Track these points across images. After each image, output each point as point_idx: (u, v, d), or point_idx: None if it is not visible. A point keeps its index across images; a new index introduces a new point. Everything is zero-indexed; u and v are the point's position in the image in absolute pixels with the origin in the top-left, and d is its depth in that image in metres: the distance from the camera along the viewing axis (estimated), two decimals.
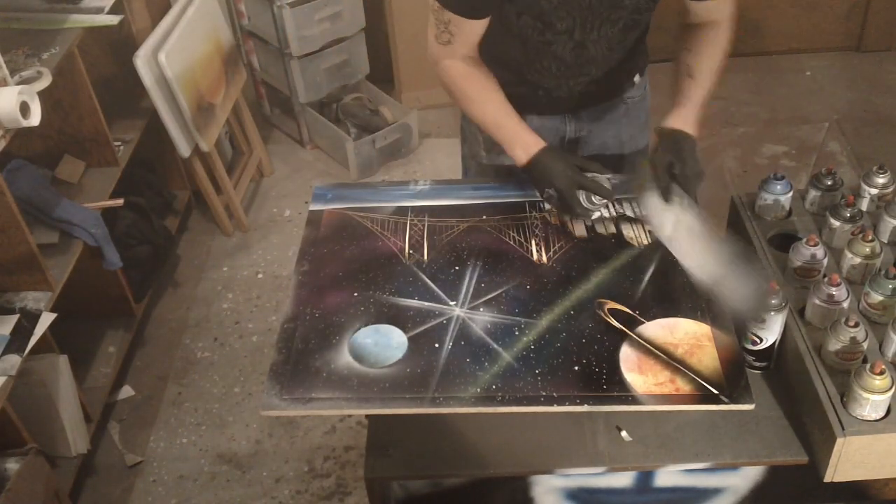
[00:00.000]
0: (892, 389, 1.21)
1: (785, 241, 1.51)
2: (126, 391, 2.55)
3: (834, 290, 1.34)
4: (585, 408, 1.27)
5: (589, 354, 1.34)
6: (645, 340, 1.36)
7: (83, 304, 2.47)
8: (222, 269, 2.98)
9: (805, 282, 1.42)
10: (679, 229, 1.48)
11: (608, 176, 1.55)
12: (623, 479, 1.35)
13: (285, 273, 2.91)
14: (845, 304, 1.37)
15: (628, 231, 1.57)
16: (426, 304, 1.44)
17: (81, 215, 2.32)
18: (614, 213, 1.60)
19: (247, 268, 2.98)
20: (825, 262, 1.43)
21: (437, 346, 1.36)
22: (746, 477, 1.35)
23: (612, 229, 1.58)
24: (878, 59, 3.82)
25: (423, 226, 1.61)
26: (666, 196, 1.48)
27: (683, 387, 1.29)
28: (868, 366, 1.21)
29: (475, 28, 1.50)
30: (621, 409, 1.28)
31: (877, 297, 1.35)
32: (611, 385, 1.29)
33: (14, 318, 2.05)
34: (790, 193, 1.57)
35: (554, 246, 1.55)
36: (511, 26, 1.51)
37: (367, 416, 1.39)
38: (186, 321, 2.79)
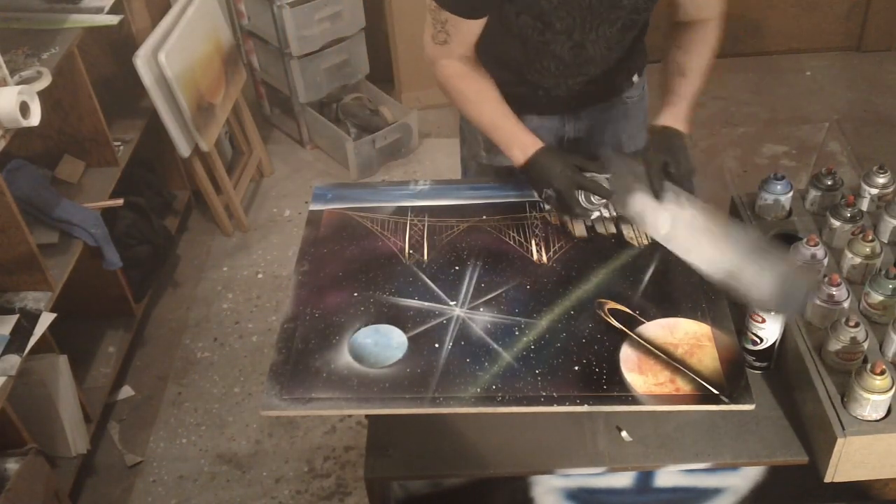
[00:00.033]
0: (893, 389, 1.21)
1: (785, 241, 1.51)
2: (126, 391, 2.55)
3: (834, 290, 1.34)
4: (585, 408, 1.27)
5: (589, 354, 1.34)
6: (645, 340, 1.36)
7: (83, 304, 2.46)
8: (222, 269, 2.98)
9: None
10: (678, 226, 1.47)
11: (607, 176, 1.54)
12: (623, 480, 1.35)
13: (285, 273, 2.91)
14: (845, 304, 1.37)
15: (628, 231, 1.57)
16: (426, 304, 1.44)
17: (81, 215, 2.32)
18: (614, 213, 1.60)
19: (247, 268, 2.98)
20: (825, 262, 1.43)
21: (437, 346, 1.36)
22: (746, 477, 1.35)
23: (612, 229, 1.58)
24: (878, 59, 3.82)
25: (423, 226, 1.61)
26: (659, 195, 1.47)
27: (683, 387, 1.29)
28: (868, 366, 1.21)
29: (472, 28, 1.50)
30: (621, 409, 1.28)
31: (877, 297, 1.35)
32: (611, 385, 1.29)
33: (14, 318, 2.05)
34: (790, 193, 1.57)
35: (554, 246, 1.55)
36: (510, 26, 1.51)
37: (367, 416, 1.39)
38: (186, 321, 2.79)
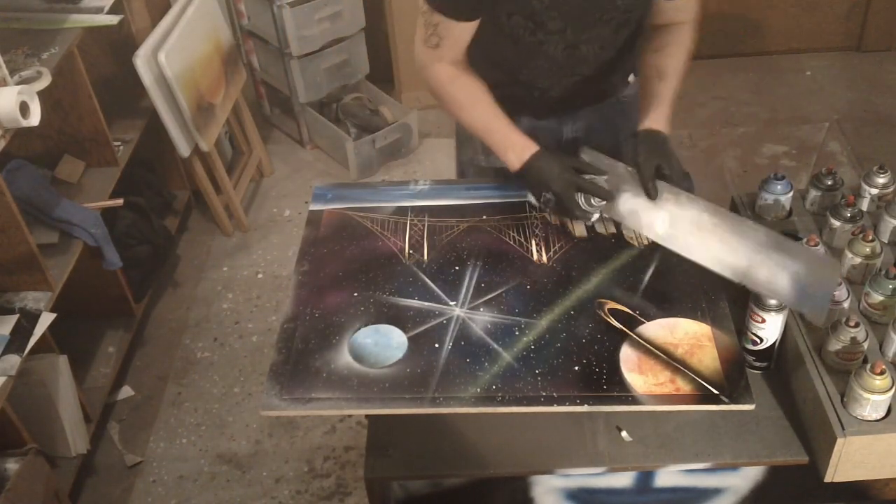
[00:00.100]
0: (893, 389, 1.21)
1: None
2: (126, 391, 2.55)
3: (834, 290, 1.34)
4: (585, 408, 1.27)
5: (589, 354, 1.34)
6: (645, 340, 1.36)
7: (83, 304, 2.46)
8: (222, 269, 2.98)
9: None
10: (679, 226, 1.46)
11: (605, 177, 1.54)
12: (623, 480, 1.35)
13: (285, 273, 2.91)
14: (845, 304, 1.37)
15: (628, 231, 1.57)
16: (426, 304, 1.44)
17: (81, 215, 2.32)
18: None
19: (247, 268, 2.98)
20: (824, 255, 1.43)
21: (437, 346, 1.36)
22: (746, 477, 1.35)
23: (612, 229, 1.58)
24: (878, 59, 3.82)
25: (423, 226, 1.61)
26: (653, 196, 1.46)
27: (683, 387, 1.29)
28: (868, 366, 1.21)
29: (464, 31, 1.49)
30: (621, 409, 1.28)
31: (877, 297, 1.35)
32: (611, 385, 1.29)
33: (14, 318, 2.05)
34: (790, 193, 1.57)
35: (554, 246, 1.55)
36: (502, 27, 1.50)
37: (367, 416, 1.39)
38: (186, 321, 2.79)
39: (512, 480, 1.36)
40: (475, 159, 1.78)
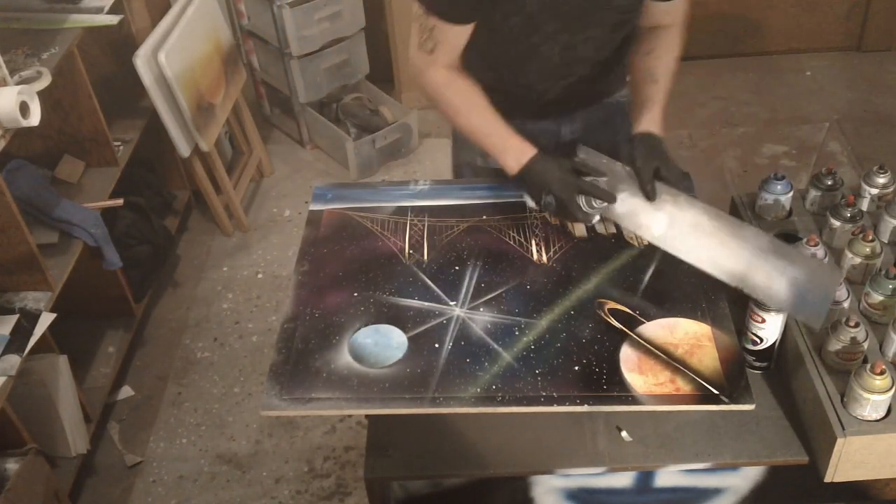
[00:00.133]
0: (893, 389, 1.21)
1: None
2: (126, 391, 2.55)
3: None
4: (585, 408, 1.27)
5: (589, 354, 1.34)
6: (645, 340, 1.36)
7: (83, 304, 2.47)
8: (222, 269, 2.98)
9: None
10: (677, 227, 1.46)
11: (605, 178, 1.53)
12: (623, 480, 1.35)
13: (285, 273, 2.91)
14: (845, 304, 1.37)
15: (628, 231, 1.57)
16: (426, 304, 1.44)
17: (81, 215, 2.32)
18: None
19: (247, 268, 2.98)
20: (826, 262, 1.43)
21: (437, 346, 1.36)
22: (746, 477, 1.35)
23: (612, 229, 1.58)
24: (878, 59, 3.82)
25: (423, 226, 1.61)
26: (652, 197, 1.46)
27: (683, 387, 1.29)
28: (868, 366, 1.21)
29: (460, 34, 1.49)
30: (621, 409, 1.28)
31: (877, 297, 1.35)
32: (611, 385, 1.29)
33: (14, 318, 2.05)
34: (790, 193, 1.56)
35: (554, 246, 1.55)
36: (499, 29, 1.50)
37: (367, 416, 1.39)
38: (186, 321, 2.79)
39: (512, 480, 1.36)
40: (473, 161, 1.78)
